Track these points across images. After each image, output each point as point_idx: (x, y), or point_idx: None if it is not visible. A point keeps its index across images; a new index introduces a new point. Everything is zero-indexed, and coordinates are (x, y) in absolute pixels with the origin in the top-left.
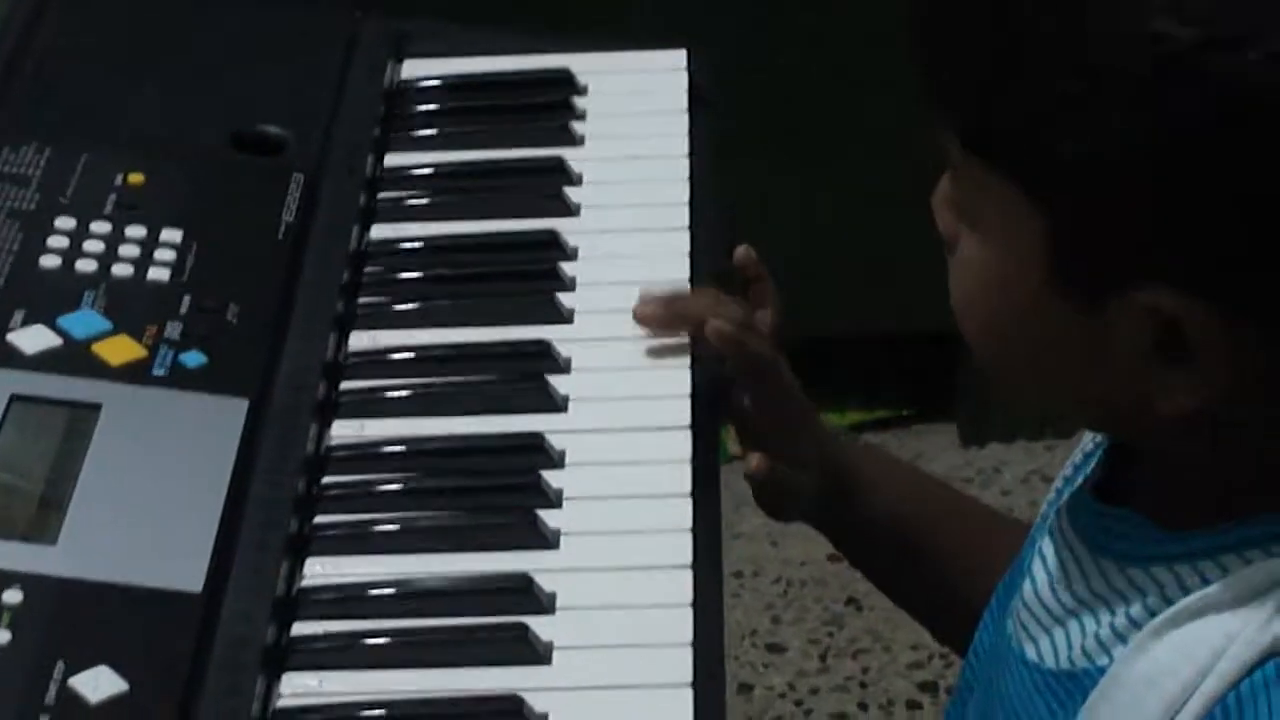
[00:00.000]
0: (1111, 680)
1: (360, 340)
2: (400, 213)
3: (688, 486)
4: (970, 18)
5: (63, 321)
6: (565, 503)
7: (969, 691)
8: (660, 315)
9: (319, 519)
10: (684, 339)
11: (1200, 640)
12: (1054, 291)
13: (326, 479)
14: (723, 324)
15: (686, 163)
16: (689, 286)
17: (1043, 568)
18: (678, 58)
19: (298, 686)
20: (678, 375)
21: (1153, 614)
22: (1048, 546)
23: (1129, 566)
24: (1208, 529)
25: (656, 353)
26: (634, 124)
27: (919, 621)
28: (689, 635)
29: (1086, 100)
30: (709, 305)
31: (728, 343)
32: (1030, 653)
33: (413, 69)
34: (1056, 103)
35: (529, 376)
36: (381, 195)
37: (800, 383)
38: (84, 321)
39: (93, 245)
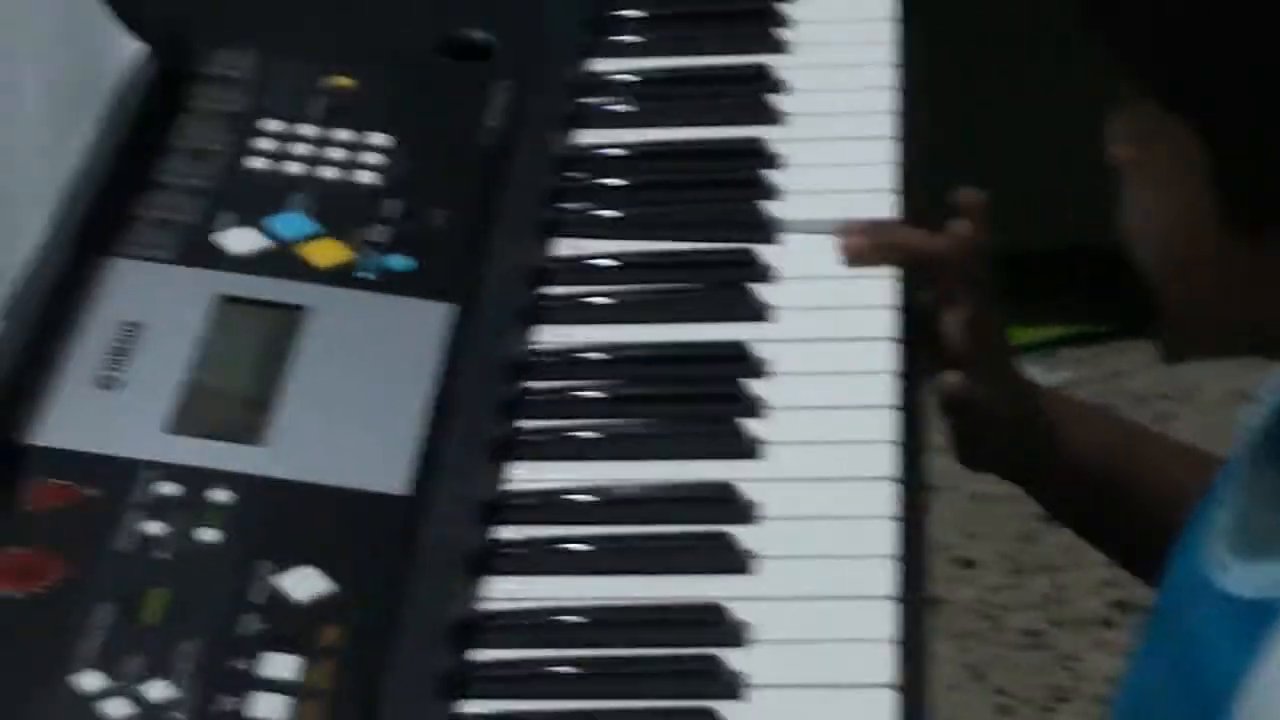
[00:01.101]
0: None
1: (564, 247)
2: (604, 119)
3: (892, 398)
4: None
5: (270, 223)
6: (767, 412)
7: (1160, 618)
8: (867, 249)
9: (523, 423)
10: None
11: None
12: (1223, 224)
13: (530, 384)
14: (920, 238)
15: (893, 71)
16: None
17: (1238, 496)
18: None
19: (502, 590)
20: (883, 285)
21: None
22: (1244, 473)
23: None
24: None
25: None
26: (841, 31)
27: (1126, 568)
28: (891, 548)
29: (1257, 36)
30: (914, 233)
31: (928, 259)
32: (1221, 581)
33: None
34: (1227, 41)
35: (732, 285)
36: (586, 101)
37: (999, 297)
38: (291, 223)
39: (300, 148)
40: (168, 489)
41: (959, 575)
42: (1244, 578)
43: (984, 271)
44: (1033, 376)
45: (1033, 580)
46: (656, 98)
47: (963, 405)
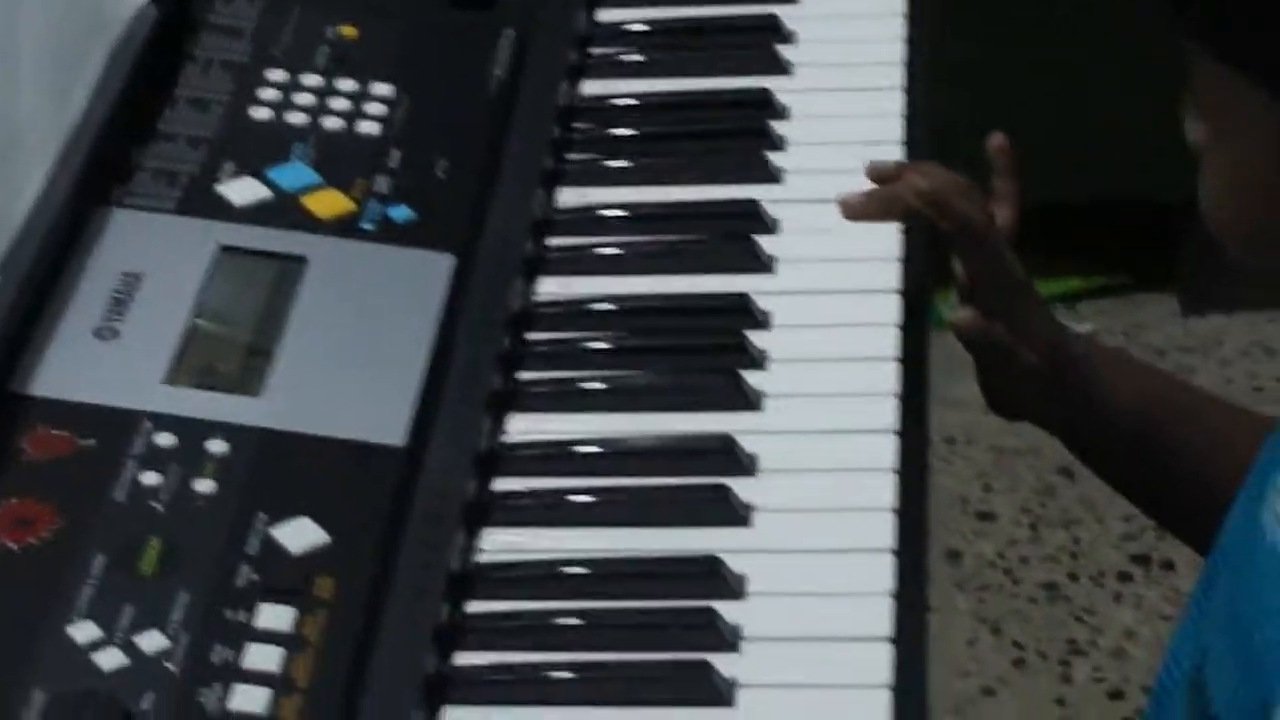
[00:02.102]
0: None
1: (569, 197)
2: (611, 69)
3: (895, 350)
4: None
5: (272, 173)
6: (770, 364)
7: (1216, 577)
8: (866, 202)
9: (523, 375)
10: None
11: None
12: None
13: (531, 335)
14: (923, 182)
15: (903, 22)
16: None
17: None
18: None
19: (498, 542)
20: (887, 238)
21: None
22: None
23: None
24: None
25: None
26: None
27: (1157, 519)
28: (891, 500)
29: None
30: (927, 171)
31: (930, 203)
32: None
33: None
34: None
35: (736, 236)
36: (593, 51)
37: (1019, 250)
38: (293, 174)
39: (303, 98)
40: (165, 440)
41: (978, 529)
42: None
43: (986, 217)
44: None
45: (1051, 534)
46: (664, 48)
47: (984, 344)
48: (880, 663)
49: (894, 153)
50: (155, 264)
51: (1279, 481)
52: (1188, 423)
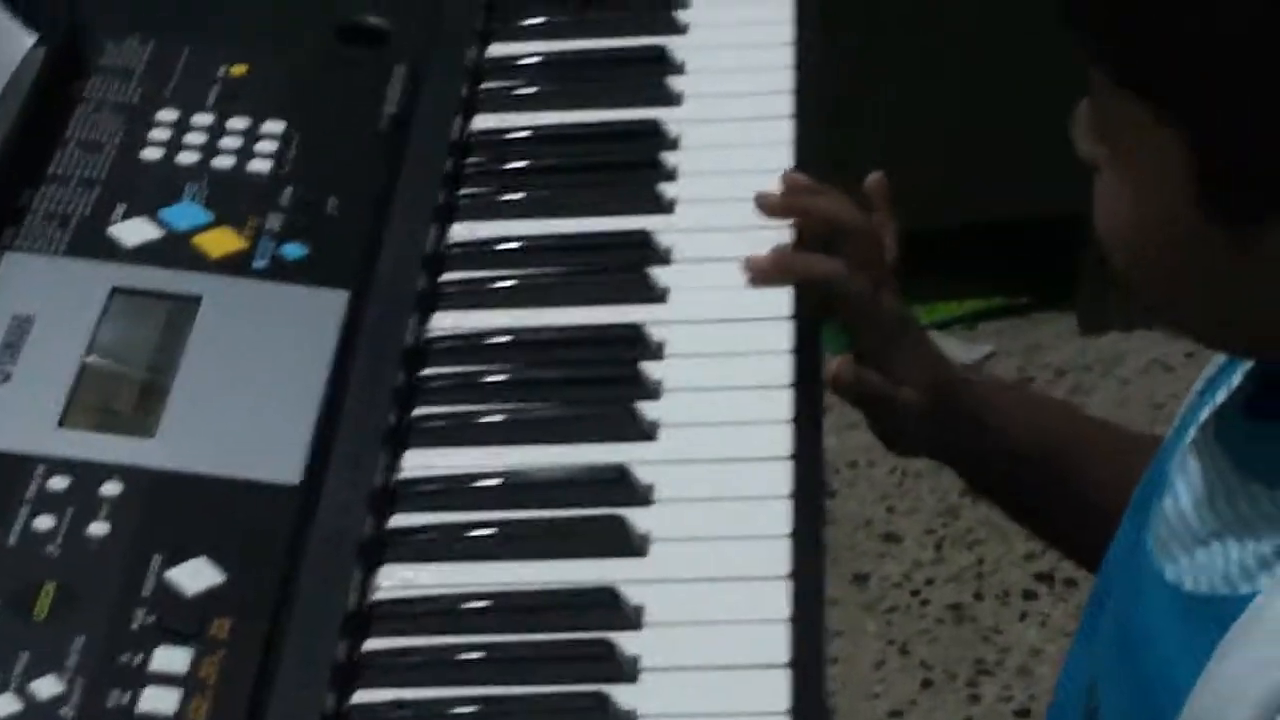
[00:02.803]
0: (1255, 614)
1: (461, 231)
2: (503, 103)
3: (788, 378)
4: None
5: (164, 214)
6: (664, 394)
7: (1104, 599)
8: (769, 266)
9: (418, 410)
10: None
11: None
12: (1202, 215)
13: (426, 370)
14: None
15: (792, 50)
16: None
17: (1186, 486)
18: None
19: (395, 579)
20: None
21: None
22: (1192, 463)
23: (1278, 491)
24: None
25: (759, 243)
26: (738, 11)
27: (1055, 545)
28: (788, 527)
29: (1221, 15)
30: (829, 203)
31: (791, 272)
32: (1170, 573)
33: None
34: (1193, 22)
35: (629, 267)
36: (484, 85)
37: (913, 271)
38: (185, 214)
39: (195, 137)
40: (58, 483)
41: (883, 551)
42: (1194, 571)
43: (876, 254)
44: (954, 358)
45: (956, 554)
46: (555, 80)
47: (860, 395)
48: (779, 689)
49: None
50: (47, 306)
51: (1161, 506)
52: (1082, 449)
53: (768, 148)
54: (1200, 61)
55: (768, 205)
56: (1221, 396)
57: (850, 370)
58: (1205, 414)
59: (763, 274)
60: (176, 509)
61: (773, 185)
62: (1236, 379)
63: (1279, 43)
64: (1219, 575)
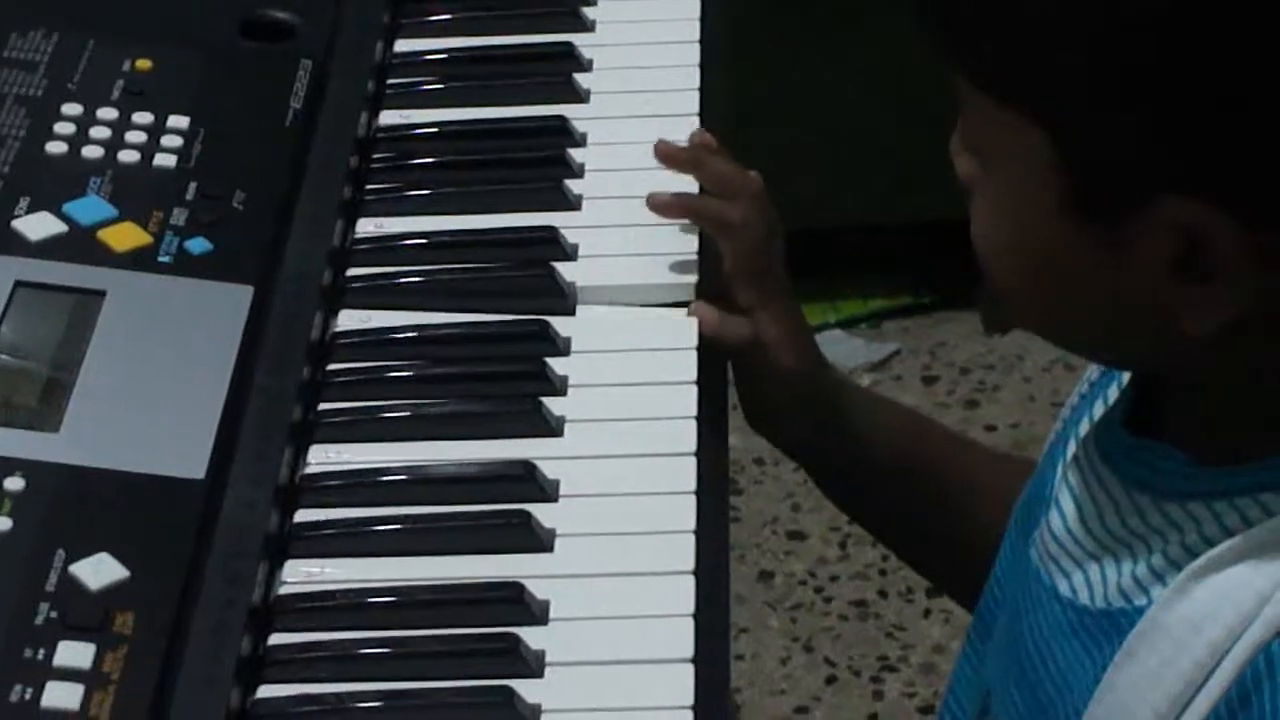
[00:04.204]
0: (1151, 623)
1: (367, 227)
2: (409, 99)
3: (694, 374)
4: None
5: (68, 208)
6: (570, 390)
7: (992, 620)
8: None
9: (323, 405)
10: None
11: (1244, 585)
12: (1071, 219)
13: (331, 365)
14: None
15: (697, 49)
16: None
17: (1071, 500)
18: None
19: (300, 574)
20: (685, 263)
21: (1191, 553)
22: (1074, 477)
23: (1165, 502)
24: (1247, 464)
25: (664, 239)
26: (645, 8)
27: (901, 555)
28: (692, 522)
29: (1074, 6)
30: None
31: (692, 163)
32: (1064, 588)
33: None
34: (1046, 15)
35: (536, 264)
36: (391, 81)
37: (817, 270)
38: (90, 208)
39: (99, 131)
40: None
41: (789, 548)
42: (1089, 586)
43: (753, 212)
44: (860, 356)
45: (860, 552)
46: (462, 77)
47: (729, 341)
48: (684, 685)
49: (690, 182)
50: None
51: (1047, 522)
52: (946, 464)
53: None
54: (1051, 52)
55: (668, 154)
56: (1099, 410)
57: (716, 313)
58: (1084, 428)
59: (664, 207)
60: (80, 504)
61: (677, 184)
62: (1113, 392)
63: (1125, 28)
64: (1114, 589)
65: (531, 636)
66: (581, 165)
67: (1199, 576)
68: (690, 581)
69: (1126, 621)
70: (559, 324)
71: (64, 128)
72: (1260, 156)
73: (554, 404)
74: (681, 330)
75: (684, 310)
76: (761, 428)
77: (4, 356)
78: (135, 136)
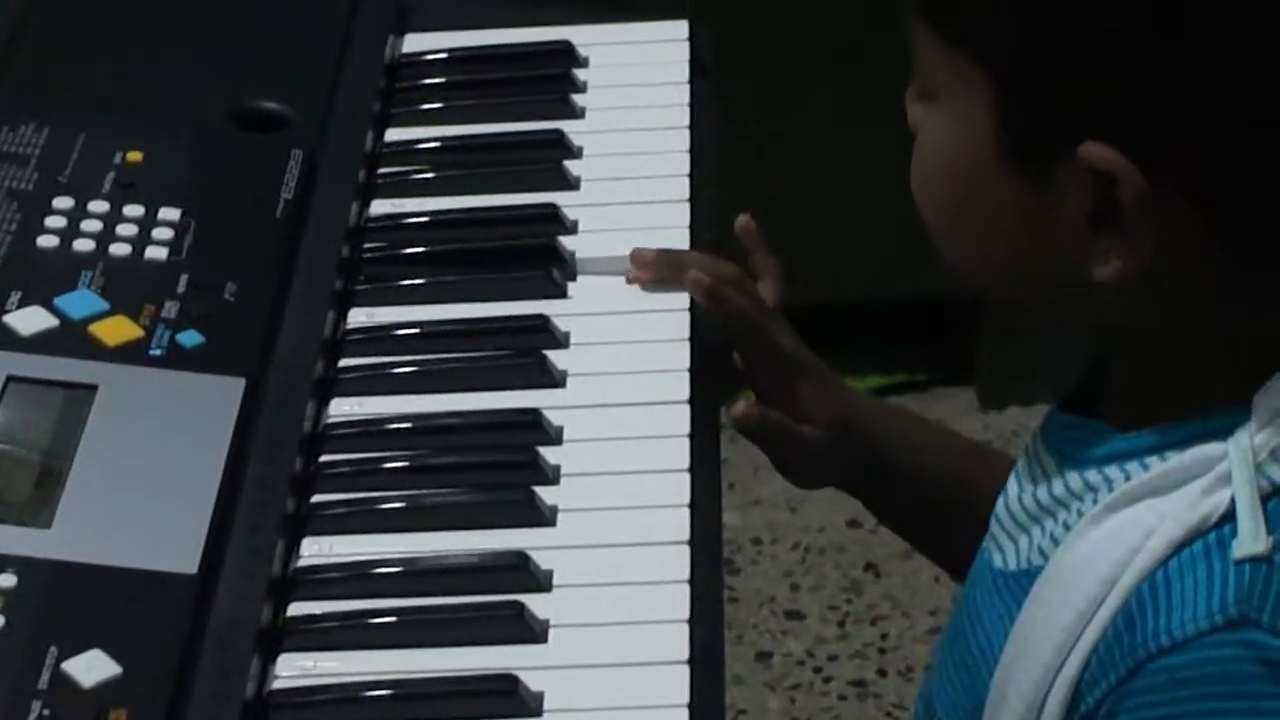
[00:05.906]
0: (1053, 566)
1: (358, 317)
2: (400, 188)
3: (686, 461)
4: None
5: (59, 302)
6: (563, 479)
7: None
8: (656, 262)
9: (316, 498)
10: (683, 301)
11: (1134, 521)
12: (1004, 162)
13: (324, 457)
14: (700, 274)
15: (687, 135)
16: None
17: (1015, 482)
18: (679, 29)
19: (293, 668)
20: (677, 349)
21: None
22: (1020, 462)
23: (1086, 469)
24: (1160, 426)
25: (656, 325)
26: (635, 96)
27: (956, 575)
28: (686, 612)
29: None
30: (700, 259)
31: (706, 294)
32: (997, 560)
33: (414, 43)
34: None
35: (527, 352)
36: (382, 170)
37: (814, 346)
38: (81, 302)
39: (91, 225)
40: None
41: (787, 628)
42: (1016, 554)
43: (758, 303)
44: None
45: (859, 631)
46: (453, 165)
47: (763, 434)
48: None
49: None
50: None
51: (996, 506)
52: (984, 476)
53: (666, 230)
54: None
55: (644, 261)
56: None
57: (750, 408)
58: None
59: (648, 266)
60: (73, 600)
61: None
62: None
63: None
64: (1035, 551)
65: None
66: (572, 253)
67: (1097, 520)
68: (685, 671)
69: (1041, 576)
70: (551, 413)
71: (55, 221)
72: (1162, 102)
73: (546, 493)
74: (673, 418)
75: (675, 397)
76: (798, 482)
77: None
78: (126, 229)
